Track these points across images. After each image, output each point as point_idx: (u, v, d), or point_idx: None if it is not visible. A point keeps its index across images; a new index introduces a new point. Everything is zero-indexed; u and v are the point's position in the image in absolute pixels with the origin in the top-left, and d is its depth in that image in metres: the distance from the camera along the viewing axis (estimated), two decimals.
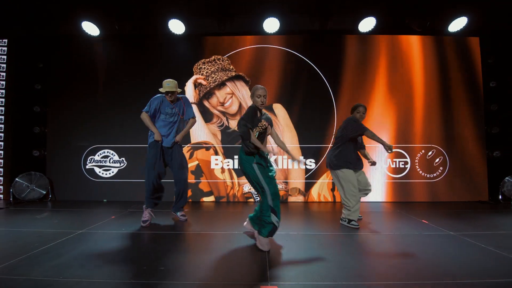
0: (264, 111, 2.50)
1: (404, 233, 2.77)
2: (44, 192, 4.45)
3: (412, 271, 1.87)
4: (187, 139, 4.55)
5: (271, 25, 4.36)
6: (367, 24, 4.34)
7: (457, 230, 2.83)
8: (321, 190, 4.49)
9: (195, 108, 4.57)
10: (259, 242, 2.28)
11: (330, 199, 4.49)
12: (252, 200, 4.50)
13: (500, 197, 4.40)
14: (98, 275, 1.82)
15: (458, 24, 4.41)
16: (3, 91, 4.61)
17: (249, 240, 2.53)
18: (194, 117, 3.23)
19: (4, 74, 4.63)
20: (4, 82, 4.62)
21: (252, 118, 2.32)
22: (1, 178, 4.54)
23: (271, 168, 2.39)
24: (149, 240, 2.52)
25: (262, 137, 2.35)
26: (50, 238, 2.54)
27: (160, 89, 3.04)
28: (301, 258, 2.10)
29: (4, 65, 4.63)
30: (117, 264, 1.99)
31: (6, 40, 4.65)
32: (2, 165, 4.55)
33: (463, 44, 4.62)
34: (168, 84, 3.00)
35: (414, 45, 4.61)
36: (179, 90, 3.12)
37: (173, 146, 3.12)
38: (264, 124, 2.29)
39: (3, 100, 4.60)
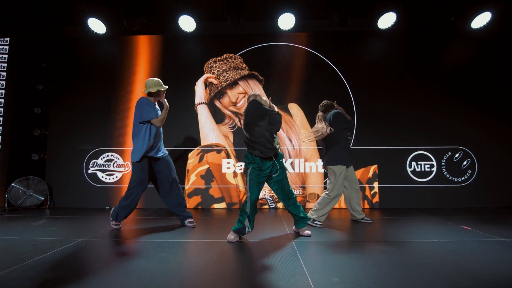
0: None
1: (451, 241, 2.43)
2: (42, 199, 4.11)
3: (478, 282, 1.53)
4: (197, 141, 4.27)
5: (286, 21, 4.16)
6: (387, 20, 4.15)
7: (508, 236, 2.49)
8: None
9: (205, 108, 4.31)
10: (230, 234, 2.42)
11: None
12: (266, 207, 4.16)
13: None
14: None
15: (481, 20, 4.22)
16: (3, 91, 4.37)
17: (276, 250, 2.20)
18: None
19: (4, 73, 4.40)
20: (4, 82, 4.39)
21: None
22: None
23: (273, 175, 2.38)
24: (158, 249, 2.18)
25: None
26: (47, 247, 2.21)
27: (157, 88, 2.79)
28: (343, 269, 1.76)
29: (5, 65, 4.41)
30: (126, 276, 1.66)
31: (8, 39, 4.46)
32: None
33: (487, 42, 4.40)
34: (161, 83, 2.85)
35: (436, 42, 4.39)
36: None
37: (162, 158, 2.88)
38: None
39: (3, 100, 4.35)
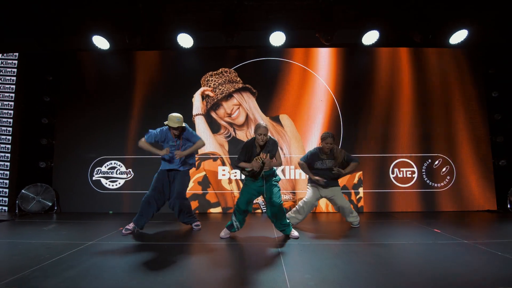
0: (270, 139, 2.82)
1: (418, 243, 2.74)
2: (50, 204, 4.41)
3: (430, 280, 1.84)
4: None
5: (277, 38, 4.47)
6: (370, 37, 4.46)
7: (471, 239, 2.80)
8: None
9: (202, 119, 4.62)
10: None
11: None
12: (259, 211, 4.47)
13: (508, 206, 4.38)
14: (114, 285, 1.78)
15: (459, 36, 4.54)
16: (12, 103, 4.66)
17: (262, 250, 2.50)
18: (200, 139, 3.22)
19: (13, 86, 4.69)
20: (13, 95, 4.68)
21: (245, 153, 2.76)
22: (7, 190, 4.52)
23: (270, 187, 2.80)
24: (162, 251, 2.49)
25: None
26: (60, 250, 2.51)
27: (168, 123, 2.99)
28: (317, 267, 2.07)
29: (14, 78, 4.71)
30: (132, 274, 1.96)
31: (17, 54, 4.75)
32: (8, 177, 4.54)
33: (465, 56, 4.73)
34: (178, 120, 2.97)
35: (417, 57, 4.72)
36: (184, 124, 3.14)
37: (179, 171, 3.17)
38: (262, 158, 2.69)
39: (12, 112, 4.65)
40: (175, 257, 2.34)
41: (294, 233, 2.91)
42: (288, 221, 2.92)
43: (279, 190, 2.86)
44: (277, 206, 2.78)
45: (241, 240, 2.83)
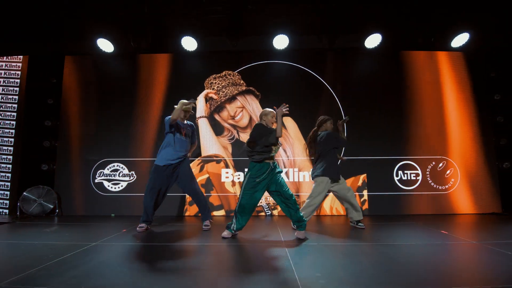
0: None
1: (427, 243, 2.71)
2: (51, 207, 4.36)
3: (446, 278, 1.81)
4: (198, 152, 4.56)
5: (281, 42, 4.52)
6: (373, 40, 4.51)
7: (479, 240, 2.77)
8: (333, 203, 4.43)
9: (206, 121, 4.62)
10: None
11: (342, 212, 4.42)
12: (263, 214, 4.42)
13: None
14: (120, 283, 1.75)
15: (460, 40, 4.59)
16: (16, 105, 4.66)
17: (268, 251, 2.46)
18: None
19: (17, 89, 4.70)
20: (17, 97, 4.68)
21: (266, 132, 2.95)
22: (8, 193, 4.48)
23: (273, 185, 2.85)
24: (167, 252, 2.45)
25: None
26: (64, 250, 2.46)
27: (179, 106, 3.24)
28: (327, 266, 2.03)
29: (18, 81, 4.72)
30: (138, 274, 1.92)
31: (21, 57, 4.77)
32: (10, 180, 4.50)
33: (466, 59, 4.76)
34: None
35: (419, 60, 4.76)
36: (192, 112, 3.43)
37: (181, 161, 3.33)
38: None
39: (15, 114, 4.64)
40: (179, 258, 2.30)
41: (302, 232, 2.88)
42: (302, 214, 2.90)
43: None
44: (291, 199, 2.84)
45: (247, 242, 2.79)
